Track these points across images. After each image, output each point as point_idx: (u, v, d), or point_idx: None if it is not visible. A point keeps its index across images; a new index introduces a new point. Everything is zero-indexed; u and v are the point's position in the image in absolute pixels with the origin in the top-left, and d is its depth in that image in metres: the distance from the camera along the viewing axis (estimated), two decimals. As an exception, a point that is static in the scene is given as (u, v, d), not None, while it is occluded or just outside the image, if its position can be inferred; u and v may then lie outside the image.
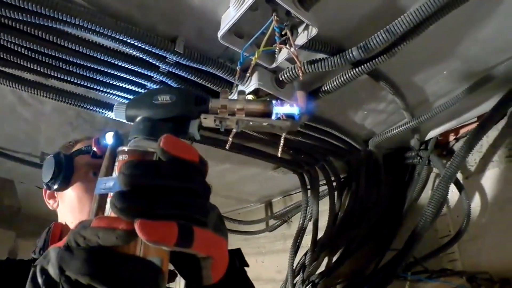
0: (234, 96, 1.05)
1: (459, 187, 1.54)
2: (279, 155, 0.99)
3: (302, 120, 0.53)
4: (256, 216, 2.70)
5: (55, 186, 0.87)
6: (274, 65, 0.91)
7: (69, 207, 0.88)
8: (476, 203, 1.53)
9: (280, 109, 0.52)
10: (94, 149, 0.89)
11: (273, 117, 0.51)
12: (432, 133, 1.65)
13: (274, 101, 0.51)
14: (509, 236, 1.41)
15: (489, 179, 1.53)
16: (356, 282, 1.70)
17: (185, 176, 0.41)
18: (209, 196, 0.45)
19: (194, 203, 0.41)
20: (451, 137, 1.71)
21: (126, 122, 0.51)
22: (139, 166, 0.39)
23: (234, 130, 0.96)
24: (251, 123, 0.51)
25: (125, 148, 0.43)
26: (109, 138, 0.92)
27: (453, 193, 1.55)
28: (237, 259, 0.70)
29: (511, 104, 1.37)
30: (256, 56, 0.79)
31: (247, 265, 0.73)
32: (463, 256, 1.54)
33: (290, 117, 0.52)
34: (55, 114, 1.24)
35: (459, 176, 1.58)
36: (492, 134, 1.53)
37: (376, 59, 0.97)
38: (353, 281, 1.73)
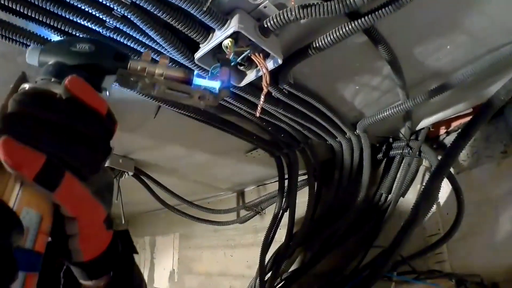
0: (209, 43, 0.89)
1: (453, 182, 1.41)
2: (258, 114, 0.83)
3: (222, 96, 0.55)
4: (227, 205, 2.52)
5: None
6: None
7: None
8: (467, 200, 1.41)
9: (201, 81, 0.53)
10: None
11: (192, 86, 0.52)
12: (424, 123, 1.53)
13: (195, 72, 0.54)
14: (502, 236, 1.29)
15: (482, 175, 1.42)
16: (335, 281, 1.55)
17: (78, 117, 0.39)
18: (105, 155, 0.42)
19: (79, 150, 0.39)
20: (442, 130, 1.61)
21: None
22: (30, 95, 0.38)
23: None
24: (167, 90, 0.51)
25: (27, 86, 0.41)
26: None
27: (443, 189, 1.42)
28: (122, 241, 0.52)
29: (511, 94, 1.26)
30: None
31: (135, 251, 0.57)
32: (452, 257, 1.42)
33: (210, 91, 0.53)
34: (1, 60, 1.03)
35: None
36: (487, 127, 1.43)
37: (378, 12, 0.83)
38: (331, 280, 1.58)
